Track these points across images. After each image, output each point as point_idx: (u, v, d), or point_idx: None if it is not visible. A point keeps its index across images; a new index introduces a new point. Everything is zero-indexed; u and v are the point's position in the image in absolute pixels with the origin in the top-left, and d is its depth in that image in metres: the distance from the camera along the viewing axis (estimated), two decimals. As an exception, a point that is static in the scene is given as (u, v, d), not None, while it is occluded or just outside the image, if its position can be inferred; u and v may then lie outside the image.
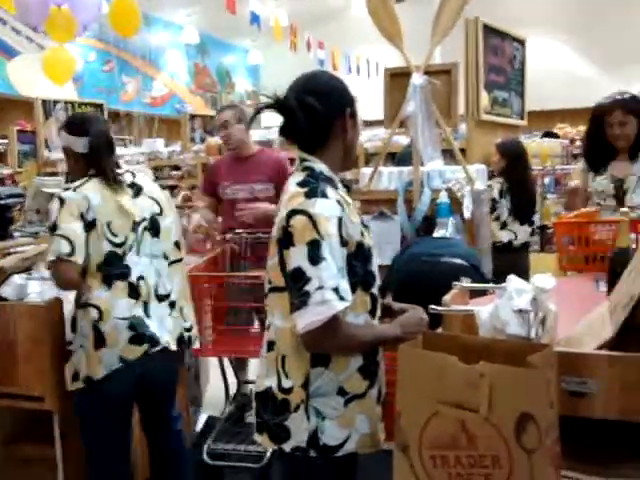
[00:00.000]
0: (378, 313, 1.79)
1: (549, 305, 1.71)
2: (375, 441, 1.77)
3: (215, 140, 8.17)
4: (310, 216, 1.60)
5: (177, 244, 2.57)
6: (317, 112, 1.70)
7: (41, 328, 2.54)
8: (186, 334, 2.57)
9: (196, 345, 2.69)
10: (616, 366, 1.47)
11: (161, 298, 2.46)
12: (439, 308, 1.78)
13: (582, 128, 9.32)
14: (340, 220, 1.62)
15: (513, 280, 1.77)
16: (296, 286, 1.59)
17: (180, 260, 2.58)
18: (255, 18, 9.19)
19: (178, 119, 9.43)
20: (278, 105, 1.73)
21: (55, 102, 8.69)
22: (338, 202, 1.66)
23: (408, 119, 3.65)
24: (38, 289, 2.71)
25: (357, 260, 1.68)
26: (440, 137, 3.72)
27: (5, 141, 9.99)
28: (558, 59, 13.51)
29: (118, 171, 2.46)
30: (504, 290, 1.74)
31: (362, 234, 1.72)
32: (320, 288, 1.56)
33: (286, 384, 1.69)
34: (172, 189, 7.36)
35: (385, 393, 1.83)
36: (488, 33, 4.82)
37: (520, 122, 5.58)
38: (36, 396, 2.55)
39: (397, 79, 3.82)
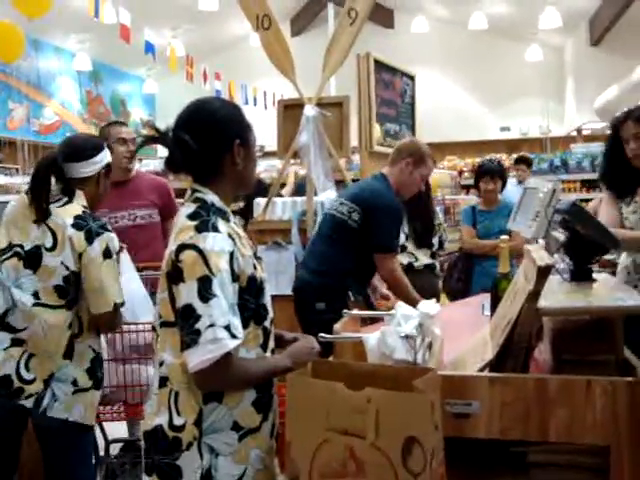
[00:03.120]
0: (271, 345, 1.76)
1: (435, 330, 1.77)
2: (270, 476, 1.73)
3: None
4: (200, 251, 1.55)
5: (59, 289, 2.28)
6: (194, 150, 1.67)
7: None
8: (17, 382, 2.26)
9: (35, 404, 2.27)
10: (496, 386, 1.53)
11: (4, 326, 2.28)
12: (328, 336, 1.79)
13: (469, 160, 9.82)
14: (231, 255, 1.59)
15: (401, 306, 1.82)
16: (187, 324, 1.55)
17: (53, 307, 2.27)
18: (150, 47, 9.05)
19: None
20: (159, 139, 1.71)
21: None
22: (229, 236, 1.62)
23: (301, 150, 3.71)
24: None
25: (249, 294, 1.65)
26: (332, 167, 3.80)
27: None
28: (446, 95, 14.17)
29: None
30: (392, 316, 1.78)
31: (254, 267, 1.69)
32: (211, 326, 1.52)
33: (178, 421, 1.62)
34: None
35: (278, 424, 1.81)
36: (379, 68, 4.98)
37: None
38: None
39: (291, 110, 3.88)
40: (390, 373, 1.49)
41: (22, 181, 7.72)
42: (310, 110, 3.65)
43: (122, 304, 2.32)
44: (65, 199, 2.35)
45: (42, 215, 2.28)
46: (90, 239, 2.27)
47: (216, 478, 1.62)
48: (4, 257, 2.32)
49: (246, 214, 4.10)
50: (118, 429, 3.41)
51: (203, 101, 1.80)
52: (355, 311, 2.06)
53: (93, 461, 2.56)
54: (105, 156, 2.46)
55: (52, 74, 13.30)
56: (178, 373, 1.63)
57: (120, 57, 13.56)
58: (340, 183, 3.99)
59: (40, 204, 2.29)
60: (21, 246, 2.30)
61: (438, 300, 2.35)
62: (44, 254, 2.28)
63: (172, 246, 1.62)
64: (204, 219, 1.62)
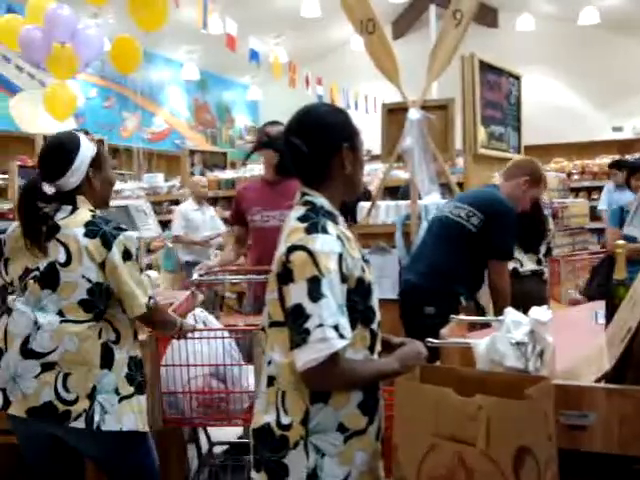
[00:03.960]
0: (378, 348, 1.76)
1: (546, 337, 1.71)
2: (374, 479, 1.73)
3: (215, 175, 8.24)
4: (310, 252, 1.58)
5: (85, 303, 2.16)
6: (304, 153, 1.71)
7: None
8: (61, 406, 2.13)
9: (88, 422, 2.15)
10: (614, 398, 1.46)
11: (29, 354, 2.13)
12: (436, 341, 1.78)
13: (578, 162, 9.42)
14: (340, 256, 1.61)
15: (510, 312, 1.77)
16: (296, 323, 1.57)
17: (83, 322, 2.16)
18: (254, 55, 9.30)
19: (177, 154, 9.51)
20: (270, 145, 1.77)
21: (56, 138, 8.78)
22: (338, 237, 1.65)
23: (405, 153, 3.69)
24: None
25: (357, 296, 1.66)
26: (437, 171, 3.76)
27: (6, 176, 10.03)
28: (554, 95, 13.66)
29: (42, 205, 2.19)
30: (501, 322, 1.74)
31: (363, 269, 1.70)
32: (320, 326, 1.54)
33: (285, 420, 1.65)
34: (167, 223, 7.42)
35: (384, 428, 1.80)
36: (484, 69, 4.88)
37: (517, 156, 5.62)
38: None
39: (394, 114, 3.87)
40: (501, 380, 1.46)
41: (135, 186, 8.12)
42: (414, 113, 3.63)
43: (150, 298, 2.22)
44: (69, 208, 2.21)
45: (40, 244, 2.16)
46: (108, 244, 2.14)
47: (321, 478, 1.63)
48: (23, 284, 2.20)
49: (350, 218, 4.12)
50: (223, 431, 3.49)
51: (312, 106, 1.85)
52: (462, 316, 2.02)
53: (156, 467, 2.41)
54: (84, 155, 2.23)
55: (162, 84, 13.93)
56: (286, 372, 1.65)
57: (225, 65, 14.02)
58: (444, 187, 3.95)
59: (36, 238, 2.17)
60: (37, 268, 2.18)
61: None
62: (60, 270, 2.15)
63: (282, 248, 1.65)
64: (314, 221, 1.65)
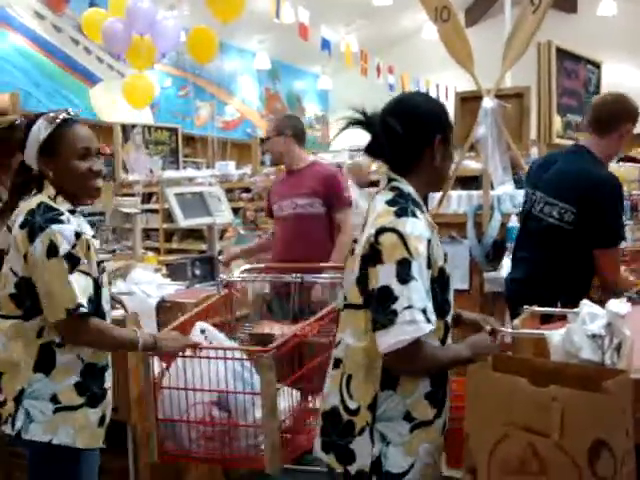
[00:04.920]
0: (449, 342, 1.74)
1: (624, 331, 1.67)
2: (436, 472, 1.73)
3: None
4: (400, 234, 1.58)
5: (15, 298, 1.94)
6: (399, 136, 1.69)
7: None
8: None
9: (12, 427, 1.93)
10: (696, 395, 1.42)
11: None
12: (509, 331, 1.76)
13: (660, 152, 9.03)
14: (429, 242, 1.61)
15: (586, 304, 1.74)
16: (382, 305, 1.56)
17: (10, 317, 1.94)
18: (326, 44, 9.34)
19: (249, 143, 9.64)
20: (364, 123, 1.73)
21: (133, 126, 9.07)
22: (428, 222, 1.67)
23: (478, 143, 3.64)
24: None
25: (438, 286, 1.65)
26: (510, 161, 3.69)
27: (85, 164, 10.43)
28: (635, 82, 13.14)
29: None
30: (577, 315, 1.71)
31: (445, 260, 1.70)
32: (408, 308, 1.53)
33: (351, 405, 1.66)
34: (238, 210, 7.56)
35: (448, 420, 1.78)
36: (561, 56, 4.75)
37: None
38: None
39: (468, 103, 3.82)
40: (576, 372, 1.44)
41: (208, 174, 8.29)
42: (489, 102, 3.57)
43: (77, 308, 1.85)
44: (34, 191, 2.02)
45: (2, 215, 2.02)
46: (32, 236, 1.88)
47: (385, 466, 1.64)
48: None
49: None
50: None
51: (410, 94, 1.94)
52: (536, 307, 2.00)
53: None
54: (32, 139, 1.97)
55: (234, 73, 14.13)
56: (357, 356, 1.66)
57: (297, 55, 14.10)
58: (517, 176, 3.87)
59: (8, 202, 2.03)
60: None
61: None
62: (5, 260, 1.98)
63: (371, 229, 1.64)
64: (403, 206, 1.65)
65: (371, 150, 1.78)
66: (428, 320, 1.55)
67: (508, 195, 3.66)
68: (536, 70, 4.57)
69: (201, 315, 2.56)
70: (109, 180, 9.03)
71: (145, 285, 3.09)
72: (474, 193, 3.80)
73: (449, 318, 1.73)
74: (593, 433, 1.30)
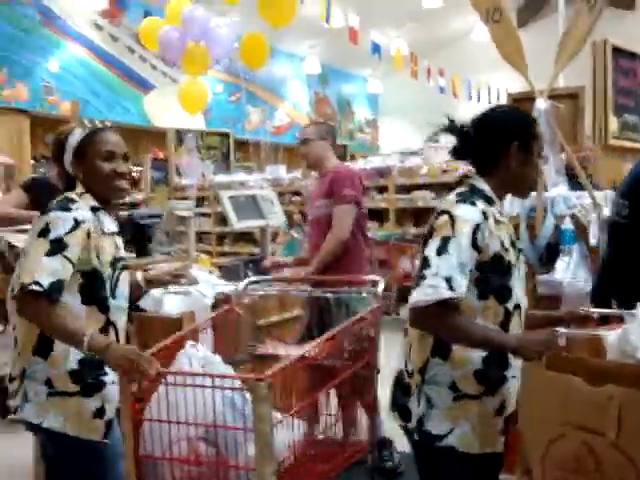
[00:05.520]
0: (514, 329, 1.83)
1: (683, 331, 1.65)
2: (483, 444, 1.78)
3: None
4: (451, 216, 1.76)
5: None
6: (477, 140, 1.89)
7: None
8: (9, 385, 2.06)
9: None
10: None
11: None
12: (565, 330, 1.76)
13: None
14: (477, 226, 1.75)
15: (643, 305, 1.73)
16: (420, 270, 1.74)
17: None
18: (376, 48, 9.37)
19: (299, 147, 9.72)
20: (451, 128, 1.93)
21: (186, 132, 9.27)
22: (483, 213, 1.78)
23: (531, 144, 3.60)
24: (173, 302, 2.90)
25: (492, 271, 1.78)
26: (565, 162, 3.64)
27: (139, 168, 10.71)
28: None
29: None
30: (633, 315, 1.70)
31: (505, 249, 1.81)
32: (434, 275, 1.69)
33: (410, 367, 1.85)
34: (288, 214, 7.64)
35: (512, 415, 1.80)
36: (617, 55, 4.66)
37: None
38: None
39: (520, 104, 3.77)
40: (633, 372, 1.43)
41: (259, 177, 8.41)
42: (542, 103, 3.52)
43: (31, 284, 1.86)
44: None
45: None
46: (39, 220, 2.02)
47: (425, 426, 1.80)
48: None
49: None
50: None
51: (500, 106, 2.14)
52: (592, 308, 1.98)
53: None
54: (69, 145, 2.12)
55: (284, 78, 14.29)
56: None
57: (346, 59, 14.17)
58: (572, 178, 3.81)
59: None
60: None
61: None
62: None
63: (436, 213, 1.83)
64: (466, 196, 1.82)
65: (456, 152, 1.96)
66: (451, 288, 1.68)
67: (562, 197, 3.61)
68: (591, 70, 4.51)
69: (194, 333, 2.30)
70: (162, 184, 9.28)
71: (201, 285, 3.16)
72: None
73: (511, 306, 1.82)
74: (650, 433, 1.29)
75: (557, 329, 1.76)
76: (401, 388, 1.88)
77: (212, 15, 6.20)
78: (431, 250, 1.74)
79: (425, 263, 1.73)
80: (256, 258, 3.99)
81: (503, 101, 3.98)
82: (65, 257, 1.93)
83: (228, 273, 3.75)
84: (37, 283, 1.87)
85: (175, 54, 5.87)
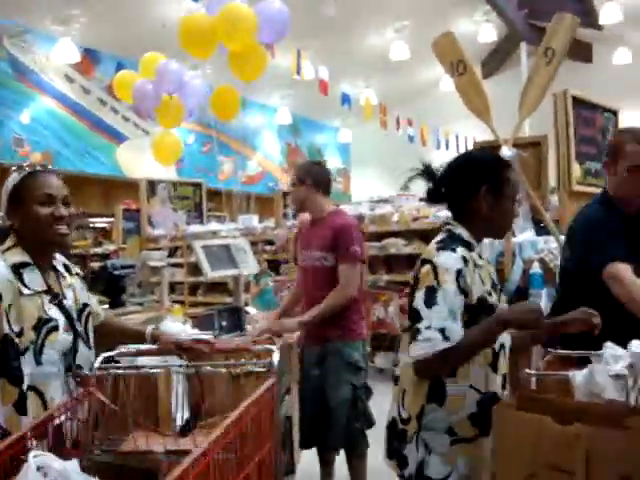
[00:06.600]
0: (501, 368, 1.89)
1: (647, 371, 1.70)
2: None
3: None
4: (433, 265, 1.81)
5: None
6: (448, 184, 1.95)
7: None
8: None
9: None
10: None
11: None
12: (533, 372, 1.80)
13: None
14: (459, 272, 1.79)
15: (609, 346, 1.78)
16: (412, 324, 1.79)
17: None
18: (346, 99, 9.58)
19: (271, 196, 9.81)
20: (426, 173, 1.99)
21: (159, 182, 9.30)
22: (463, 258, 1.83)
23: (498, 191, 3.71)
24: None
25: (479, 314, 1.81)
26: (530, 208, 3.74)
27: (111, 219, 10.67)
28: (654, 128, 13.20)
29: None
30: (600, 356, 1.74)
31: (488, 293, 1.86)
32: (428, 328, 1.74)
33: (404, 415, 1.88)
34: (269, 262, 7.68)
35: None
36: (578, 105, 4.84)
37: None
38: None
39: (486, 152, 3.89)
40: (600, 411, 1.47)
41: (232, 227, 8.44)
42: (507, 151, 3.65)
43: None
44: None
45: None
46: None
47: (426, 472, 1.82)
48: None
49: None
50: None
51: (473, 150, 2.15)
52: (560, 350, 2.03)
53: None
54: (5, 190, 2.00)
55: (257, 129, 14.48)
56: (408, 372, 1.86)
57: (317, 109, 14.43)
58: (539, 224, 3.92)
59: None
60: None
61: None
62: None
63: (418, 263, 1.89)
64: (446, 243, 1.88)
65: (430, 197, 2.02)
66: (446, 338, 1.73)
67: (529, 242, 3.71)
68: (553, 119, 4.67)
69: (40, 429, 1.67)
70: (134, 235, 9.25)
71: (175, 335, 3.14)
72: (495, 240, 3.85)
73: (497, 346, 1.87)
74: (618, 470, 1.32)
75: (526, 370, 1.81)
76: (396, 436, 1.91)
77: (186, 69, 6.31)
78: (419, 302, 1.79)
79: (416, 316, 1.78)
80: (230, 307, 3.98)
81: (470, 149, 4.09)
82: None
83: (202, 323, 3.73)
84: None
85: (149, 106, 5.94)
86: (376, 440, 2.58)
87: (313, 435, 3.28)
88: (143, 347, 2.23)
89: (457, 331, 1.75)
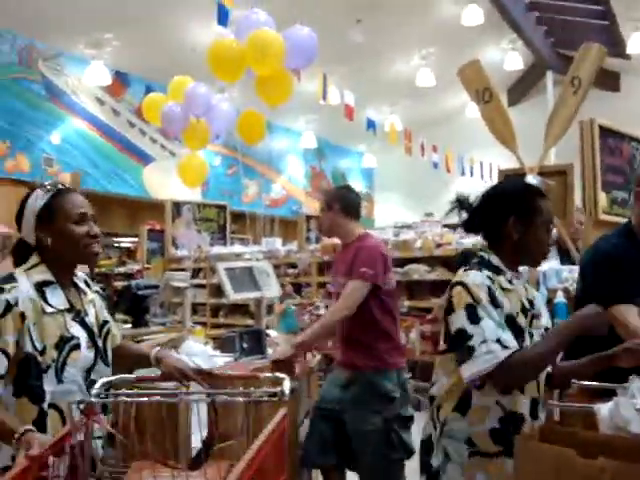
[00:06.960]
0: (528, 391, 1.89)
1: (674, 405, 1.66)
2: None
3: (330, 240, 8.48)
4: (464, 285, 1.86)
5: None
6: (476, 213, 2.03)
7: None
8: None
9: None
10: None
11: None
12: (557, 403, 1.78)
13: None
14: (489, 288, 1.85)
15: (635, 379, 1.75)
16: (461, 344, 1.81)
17: None
18: (371, 124, 9.61)
19: (295, 220, 9.85)
20: (462, 202, 2.06)
21: (184, 204, 9.40)
22: (489, 277, 1.88)
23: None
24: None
25: (508, 329, 1.84)
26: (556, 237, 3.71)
27: (136, 239, 10.78)
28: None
29: None
30: (626, 389, 1.72)
31: (517, 314, 1.89)
32: (484, 342, 1.77)
33: (437, 427, 1.93)
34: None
35: None
36: (604, 134, 4.81)
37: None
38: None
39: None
40: (625, 445, 1.44)
41: (255, 249, 8.47)
42: (532, 179, 3.64)
43: None
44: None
45: None
46: None
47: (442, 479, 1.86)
48: None
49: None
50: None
51: (505, 182, 2.23)
52: (585, 382, 2.00)
53: None
54: (29, 210, 1.98)
55: (281, 152, 14.60)
56: (446, 391, 1.91)
57: (342, 134, 14.51)
58: (564, 253, 3.89)
59: None
60: None
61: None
62: None
63: (449, 289, 1.94)
64: (473, 266, 1.94)
65: (466, 226, 2.09)
66: (505, 347, 1.77)
67: (554, 271, 3.68)
68: (579, 148, 4.64)
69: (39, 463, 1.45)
70: (158, 255, 9.34)
71: (196, 357, 3.16)
72: (520, 268, 3.82)
73: None
74: (644, 507, 1.29)
75: (549, 401, 1.79)
76: (426, 449, 1.97)
77: (213, 92, 6.41)
78: (463, 322, 1.82)
79: (464, 335, 1.80)
80: (251, 330, 3.99)
81: (495, 177, 4.09)
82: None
83: (223, 345, 3.74)
84: None
85: (177, 128, 6.03)
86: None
87: (319, 453, 3.20)
88: (142, 371, 2.28)
89: (511, 339, 1.79)
